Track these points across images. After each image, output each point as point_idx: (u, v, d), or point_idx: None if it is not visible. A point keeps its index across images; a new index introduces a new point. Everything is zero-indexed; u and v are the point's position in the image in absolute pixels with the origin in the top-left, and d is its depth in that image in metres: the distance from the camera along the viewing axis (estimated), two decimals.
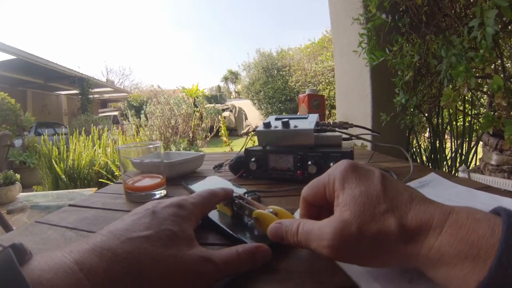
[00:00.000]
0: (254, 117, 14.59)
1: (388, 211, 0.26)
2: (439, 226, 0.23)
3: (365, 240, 0.26)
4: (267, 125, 0.78)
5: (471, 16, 0.96)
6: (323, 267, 0.34)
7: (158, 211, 0.34)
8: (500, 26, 1.67)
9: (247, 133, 12.12)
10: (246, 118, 14.62)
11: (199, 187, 0.70)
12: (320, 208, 0.36)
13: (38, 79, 10.49)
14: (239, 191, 0.63)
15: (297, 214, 0.46)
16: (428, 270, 0.24)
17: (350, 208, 0.27)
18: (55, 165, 3.65)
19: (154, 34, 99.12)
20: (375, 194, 0.27)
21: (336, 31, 2.16)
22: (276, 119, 0.84)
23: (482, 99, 2.25)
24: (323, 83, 10.83)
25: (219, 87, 27.30)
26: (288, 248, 0.37)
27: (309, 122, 0.78)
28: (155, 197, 0.65)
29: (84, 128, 5.10)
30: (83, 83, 11.32)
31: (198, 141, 5.32)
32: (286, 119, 0.77)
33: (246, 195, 0.55)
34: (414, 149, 2.15)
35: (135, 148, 0.67)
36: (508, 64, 2.27)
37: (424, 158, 2.17)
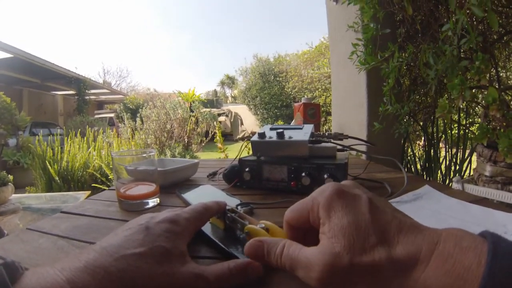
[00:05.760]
0: (250, 123, 14.62)
1: (377, 243, 0.26)
2: (426, 259, 0.23)
3: (356, 274, 0.25)
4: (261, 135, 0.78)
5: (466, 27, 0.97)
6: None
7: (151, 226, 0.34)
8: (495, 37, 1.70)
9: (242, 138, 12.13)
10: (241, 123, 14.64)
11: (193, 196, 0.69)
12: (304, 230, 0.35)
13: (34, 79, 10.41)
14: (232, 201, 0.63)
15: None
16: None
17: (339, 240, 0.27)
18: (49, 166, 3.62)
19: (152, 36, 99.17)
20: (363, 225, 0.27)
21: (333, 38, 2.17)
22: (271, 129, 0.84)
23: (477, 109, 2.27)
24: (320, 89, 10.86)
25: (215, 91, 27.32)
26: None
27: (304, 133, 0.78)
28: (148, 206, 0.64)
29: (79, 129, 5.07)
30: (79, 84, 11.26)
31: (193, 145, 5.31)
32: (281, 130, 0.77)
33: (239, 207, 0.55)
34: (409, 157, 2.17)
35: (130, 155, 0.67)
36: (503, 74, 2.30)
37: (418, 166, 2.19)
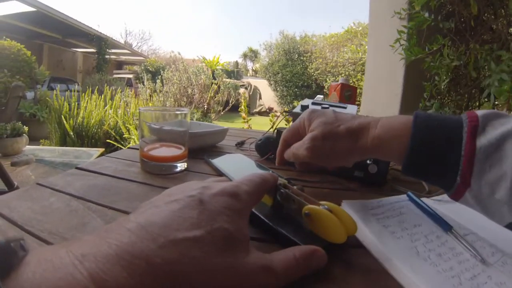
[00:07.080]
0: (268, 98, 14.47)
1: (340, 124, 0.41)
2: (375, 125, 0.39)
3: (326, 141, 0.40)
4: (305, 107, 0.70)
5: None
6: None
7: (207, 200, 0.25)
8: None
9: (259, 113, 12.03)
10: (260, 98, 14.54)
11: (223, 163, 0.62)
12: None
13: (56, 34, 10.36)
14: None
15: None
16: (377, 154, 0.40)
17: (317, 128, 0.42)
18: (65, 121, 3.63)
19: (176, 4, 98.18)
20: (331, 119, 0.42)
21: (374, 22, 2.04)
22: (313, 103, 0.76)
23: None
24: (343, 74, 10.64)
25: (236, 63, 26.87)
26: (341, 253, 0.32)
27: (349, 111, 0.70)
28: (176, 170, 0.58)
29: (97, 87, 5.04)
30: (100, 42, 11.19)
31: (211, 113, 5.24)
32: (327, 106, 0.69)
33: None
34: None
35: (159, 112, 0.59)
36: None
37: None
